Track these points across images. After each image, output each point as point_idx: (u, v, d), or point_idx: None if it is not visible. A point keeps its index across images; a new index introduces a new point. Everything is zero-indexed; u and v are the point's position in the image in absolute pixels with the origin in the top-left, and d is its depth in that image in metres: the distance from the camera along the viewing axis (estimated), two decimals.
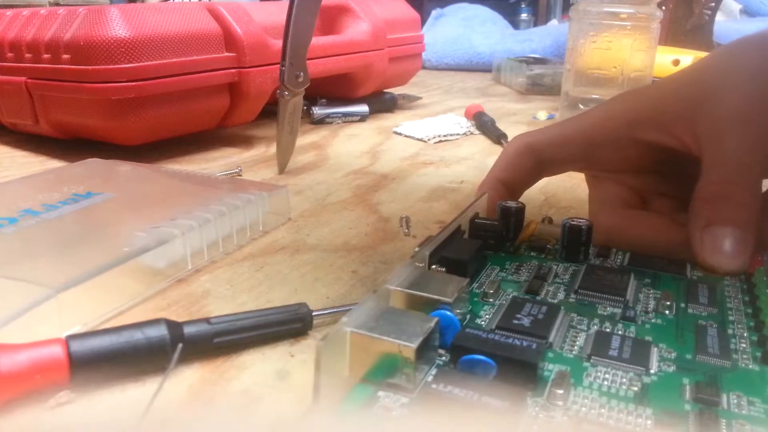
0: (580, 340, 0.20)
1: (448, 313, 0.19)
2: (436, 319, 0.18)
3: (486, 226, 0.27)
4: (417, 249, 0.23)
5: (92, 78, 0.45)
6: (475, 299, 0.22)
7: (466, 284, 0.21)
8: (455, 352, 0.18)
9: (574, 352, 0.19)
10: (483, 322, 0.21)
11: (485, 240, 0.26)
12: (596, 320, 0.21)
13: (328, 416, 0.15)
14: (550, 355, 0.19)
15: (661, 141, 0.27)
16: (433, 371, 0.18)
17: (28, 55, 0.49)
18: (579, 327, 0.21)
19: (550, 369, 0.18)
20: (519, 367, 0.17)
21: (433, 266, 0.23)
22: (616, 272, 0.24)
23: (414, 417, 0.16)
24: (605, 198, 0.31)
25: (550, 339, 0.19)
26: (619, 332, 0.20)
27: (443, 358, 0.18)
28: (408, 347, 0.16)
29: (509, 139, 0.55)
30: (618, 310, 0.22)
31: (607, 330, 0.20)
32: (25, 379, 0.20)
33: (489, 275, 0.24)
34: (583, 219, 0.26)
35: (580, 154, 0.30)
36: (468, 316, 0.21)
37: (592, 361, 0.18)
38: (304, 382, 0.22)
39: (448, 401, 0.16)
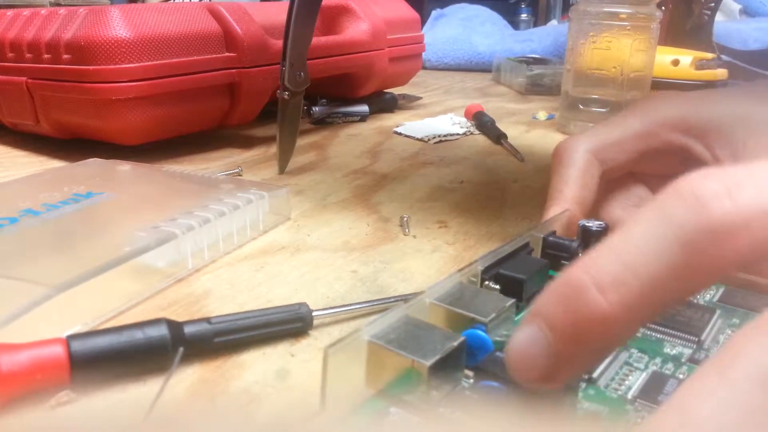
0: (631, 380, 0.18)
1: (482, 333, 0.18)
2: (462, 339, 0.17)
3: (561, 246, 0.24)
4: (476, 261, 0.21)
5: (92, 78, 0.45)
6: None
7: (510, 305, 0.19)
8: (478, 375, 0.17)
9: (619, 392, 0.17)
10: None
11: (559, 260, 0.24)
12: (658, 359, 0.19)
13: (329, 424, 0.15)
14: (591, 392, 0.17)
15: (702, 157, 0.27)
16: (449, 392, 0.17)
17: (28, 55, 0.49)
18: (636, 365, 0.19)
19: (585, 407, 0.16)
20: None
21: (486, 282, 0.21)
22: (698, 308, 0.22)
23: None
24: (626, 195, 0.30)
25: (595, 374, 0.18)
26: (681, 375, 0.18)
27: (470, 380, 0.17)
28: (422, 364, 0.15)
29: (507, 138, 0.55)
30: (688, 351, 0.19)
31: (668, 372, 0.18)
32: (25, 378, 0.20)
33: None
34: None
35: (636, 158, 0.29)
36: None
37: (636, 404, 0.17)
38: (305, 381, 0.22)
39: (450, 425, 0.15)
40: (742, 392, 0.10)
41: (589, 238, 0.25)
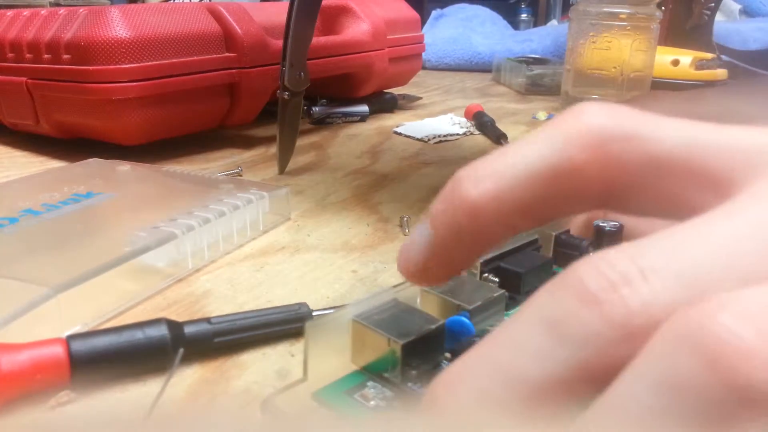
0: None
1: (465, 319, 0.19)
2: (441, 323, 0.18)
3: (572, 245, 0.25)
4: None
5: (93, 78, 0.45)
6: None
7: (498, 295, 0.20)
8: (454, 356, 0.18)
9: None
10: None
11: (569, 259, 0.24)
12: None
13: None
14: None
15: None
16: (424, 371, 0.18)
17: (28, 56, 0.49)
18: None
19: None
20: None
21: (486, 275, 0.22)
22: None
23: (380, 409, 0.16)
24: None
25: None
26: None
27: (449, 361, 0.18)
28: (397, 343, 0.17)
29: (507, 138, 0.55)
30: None
31: None
32: (25, 378, 0.20)
33: None
34: None
35: None
36: None
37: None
38: None
39: (416, 399, 0.16)
40: (526, 329, 0.11)
41: (601, 238, 0.25)
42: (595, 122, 0.13)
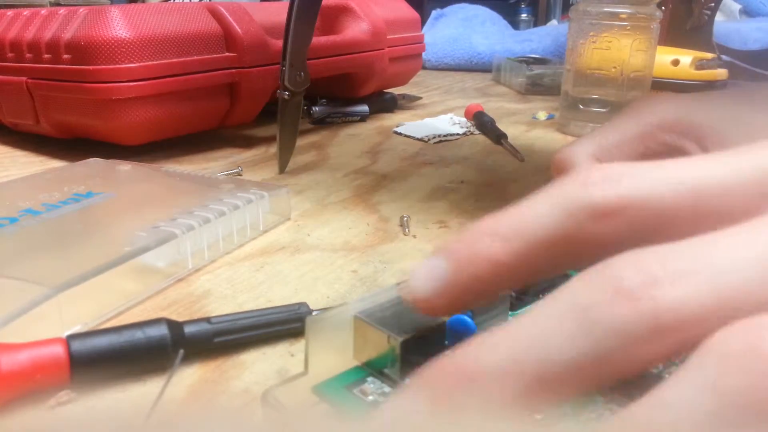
0: None
1: (466, 318, 0.19)
2: (442, 321, 0.18)
3: None
4: None
5: (93, 78, 0.45)
6: None
7: (503, 295, 0.20)
8: None
9: None
10: None
11: None
12: None
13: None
14: None
15: (690, 151, 0.28)
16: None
17: (28, 55, 0.49)
18: None
19: None
20: None
21: None
22: None
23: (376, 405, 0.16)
24: None
25: None
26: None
27: None
28: (396, 339, 0.17)
29: (507, 138, 0.55)
30: None
31: (655, 370, 0.17)
32: (25, 378, 0.20)
33: None
34: None
35: (635, 160, 0.29)
36: None
37: (609, 396, 0.16)
38: None
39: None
40: (557, 312, 0.12)
41: None
42: (598, 194, 0.13)
